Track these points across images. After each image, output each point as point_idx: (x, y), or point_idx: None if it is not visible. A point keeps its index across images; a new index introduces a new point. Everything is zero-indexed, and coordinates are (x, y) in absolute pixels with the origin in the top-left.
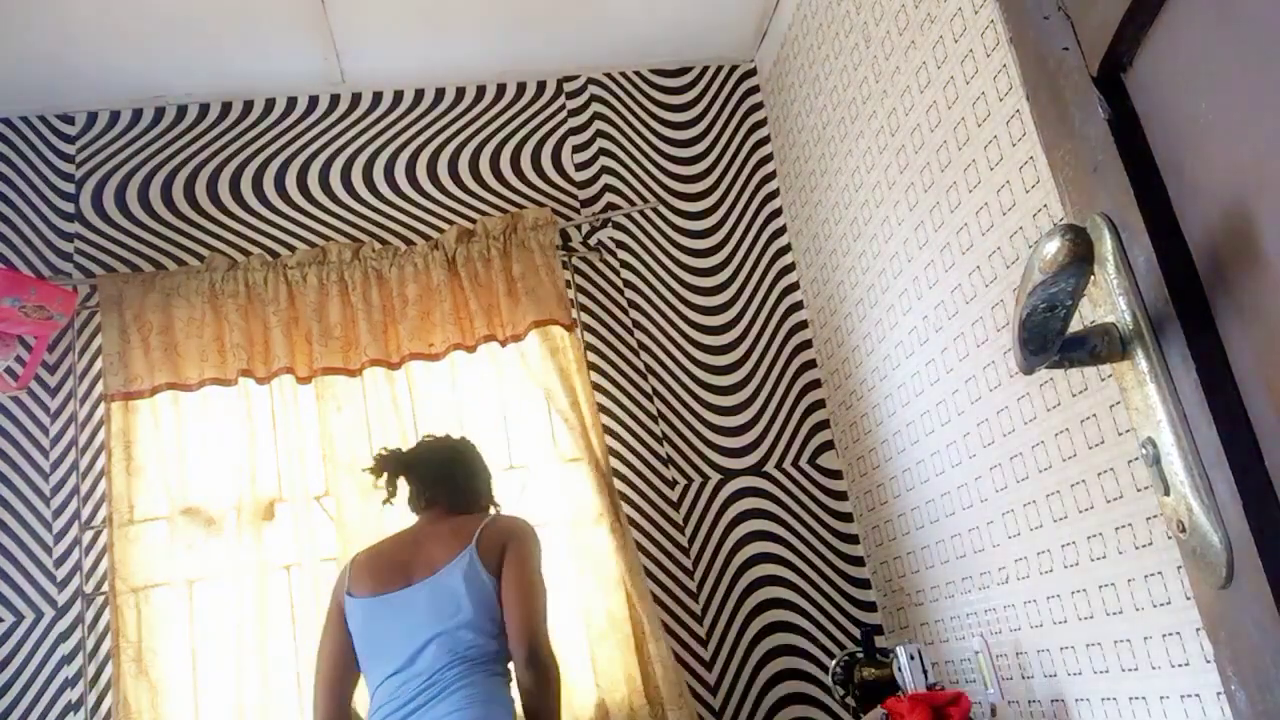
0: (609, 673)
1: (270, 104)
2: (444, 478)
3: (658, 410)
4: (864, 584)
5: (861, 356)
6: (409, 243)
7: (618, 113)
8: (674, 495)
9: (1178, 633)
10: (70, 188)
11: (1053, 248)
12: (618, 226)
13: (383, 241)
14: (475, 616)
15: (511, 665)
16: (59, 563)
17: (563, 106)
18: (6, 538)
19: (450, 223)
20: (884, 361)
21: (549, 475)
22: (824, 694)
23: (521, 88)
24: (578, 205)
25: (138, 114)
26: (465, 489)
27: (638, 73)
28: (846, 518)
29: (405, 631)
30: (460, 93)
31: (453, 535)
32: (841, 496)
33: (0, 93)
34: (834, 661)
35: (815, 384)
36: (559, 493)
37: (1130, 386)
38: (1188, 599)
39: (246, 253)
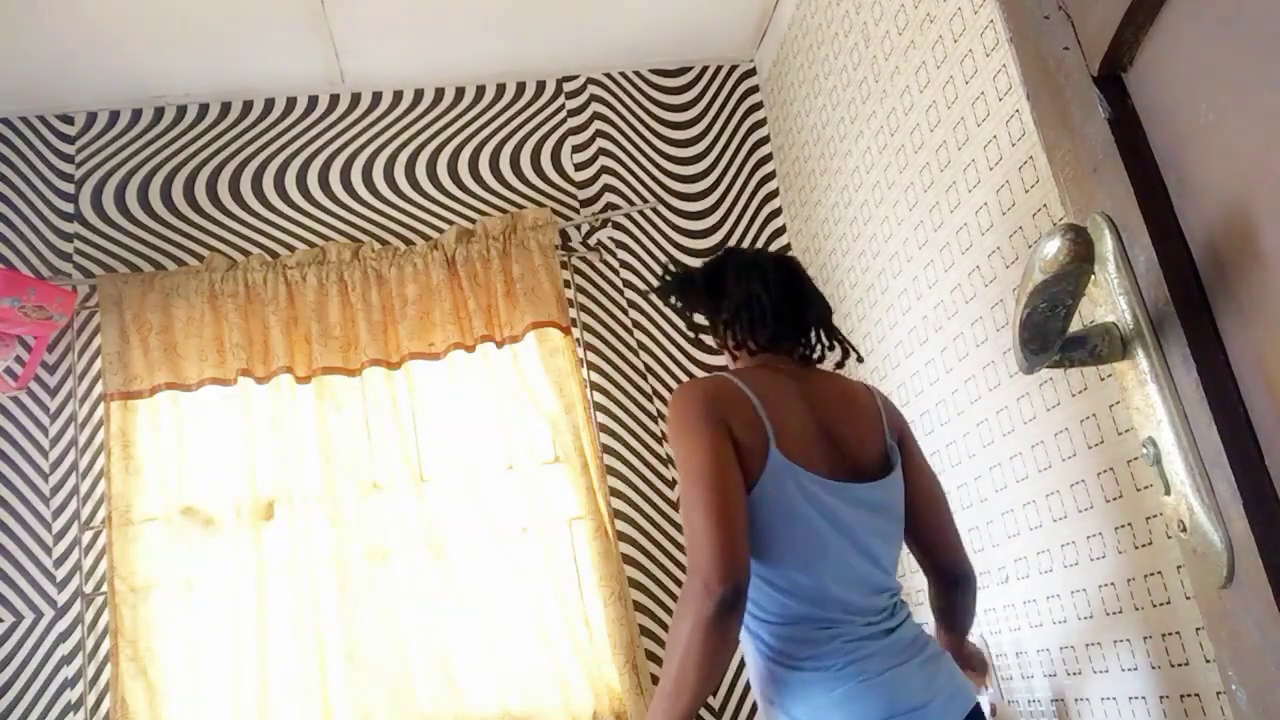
0: (578, 683)
1: (270, 104)
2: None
3: (657, 410)
4: None
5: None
6: (409, 243)
7: (617, 113)
8: (674, 495)
9: (1178, 632)
10: (70, 188)
11: (1053, 247)
12: (617, 226)
13: (382, 241)
14: None
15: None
16: (59, 563)
17: (562, 106)
18: (6, 538)
19: (450, 223)
20: (884, 361)
21: (542, 478)
22: None
23: (521, 88)
24: (577, 205)
25: (138, 114)
26: None
27: (637, 73)
28: None
29: None
30: (460, 93)
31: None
32: None
33: (0, 93)
34: None
35: None
36: (550, 495)
37: (1131, 386)
38: (1188, 599)
39: (246, 253)
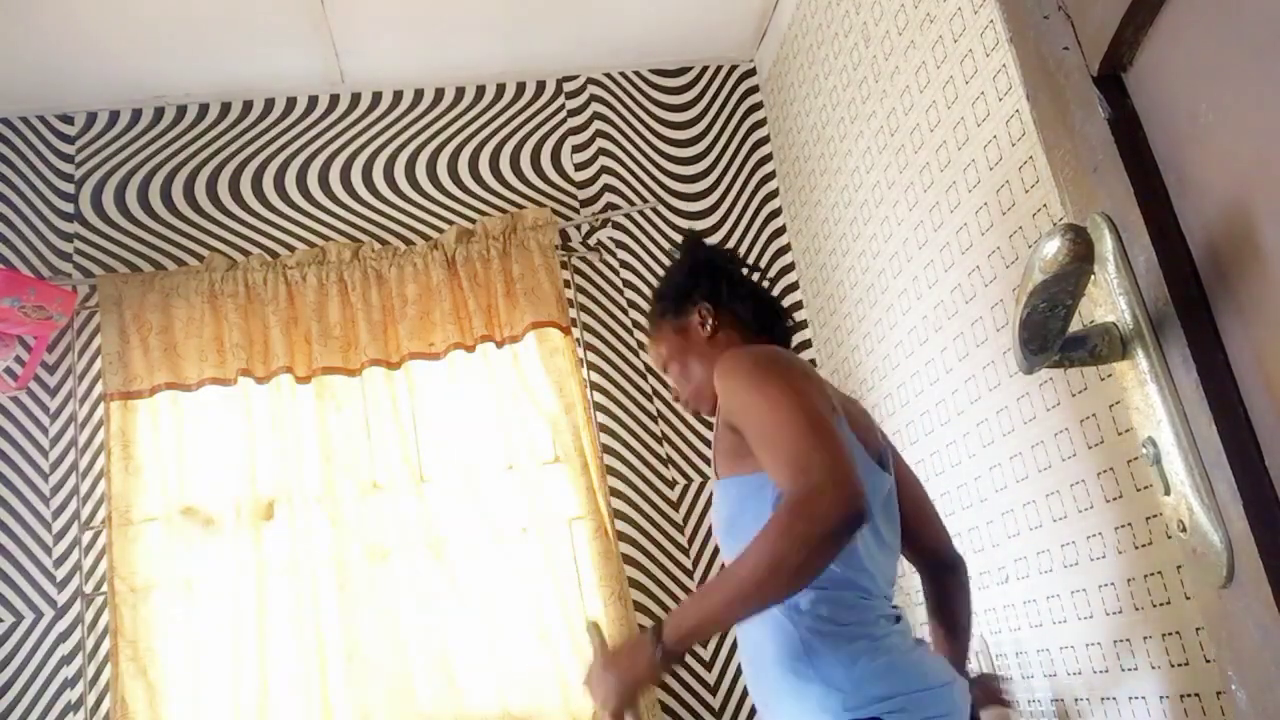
0: (578, 683)
1: (270, 104)
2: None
3: (657, 410)
4: None
5: (861, 356)
6: (409, 243)
7: (617, 113)
8: (674, 495)
9: (1177, 632)
10: (70, 188)
11: (1053, 247)
12: (617, 226)
13: (382, 241)
14: None
15: None
16: (59, 563)
17: (562, 107)
18: (6, 538)
19: (450, 223)
20: (884, 361)
21: (542, 478)
22: None
23: (521, 88)
24: (577, 205)
25: (137, 114)
26: None
27: (637, 73)
28: None
29: None
30: (460, 93)
31: None
32: None
33: (0, 93)
34: None
35: None
36: (550, 495)
37: (1131, 386)
38: (1188, 599)
39: (246, 253)
